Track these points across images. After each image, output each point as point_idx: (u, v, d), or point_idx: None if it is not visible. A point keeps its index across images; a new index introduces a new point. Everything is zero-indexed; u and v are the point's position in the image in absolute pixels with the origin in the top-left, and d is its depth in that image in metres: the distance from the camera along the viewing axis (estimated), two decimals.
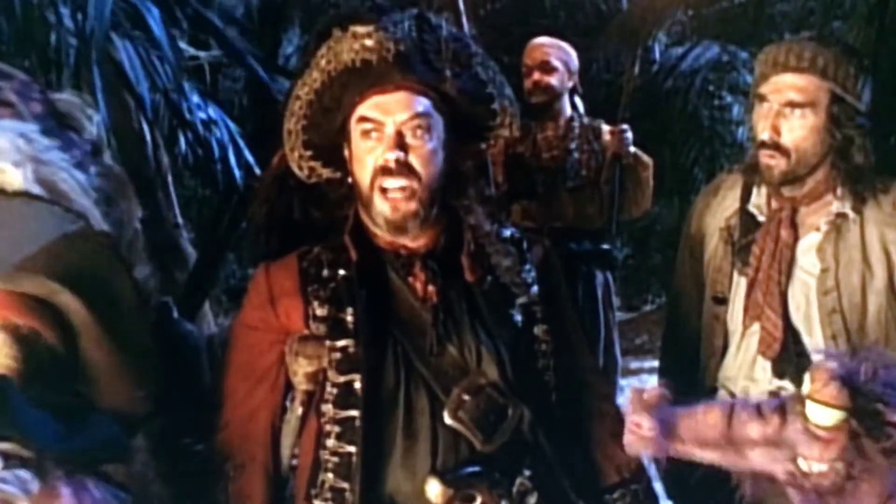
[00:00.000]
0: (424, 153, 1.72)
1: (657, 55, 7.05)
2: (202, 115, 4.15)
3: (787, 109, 2.09)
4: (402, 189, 1.70)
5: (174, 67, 3.82)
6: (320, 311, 1.75)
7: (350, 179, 1.78)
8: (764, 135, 2.11)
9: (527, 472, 1.70)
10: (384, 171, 1.70)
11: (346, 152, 1.78)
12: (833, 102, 2.07)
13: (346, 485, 1.68)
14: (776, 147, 2.10)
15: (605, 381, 2.05)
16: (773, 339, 2.13)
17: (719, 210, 2.30)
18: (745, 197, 2.25)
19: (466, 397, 1.68)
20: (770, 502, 2.05)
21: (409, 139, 1.71)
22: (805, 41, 2.13)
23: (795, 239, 2.15)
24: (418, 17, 1.77)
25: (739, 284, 2.22)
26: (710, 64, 6.94)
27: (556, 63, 4.13)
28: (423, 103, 1.72)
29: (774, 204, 2.19)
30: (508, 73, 5.65)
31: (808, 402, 1.39)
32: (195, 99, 4.34)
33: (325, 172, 1.83)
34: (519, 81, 4.22)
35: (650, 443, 1.48)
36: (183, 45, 4.86)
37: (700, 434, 1.48)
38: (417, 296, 1.76)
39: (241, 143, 4.27)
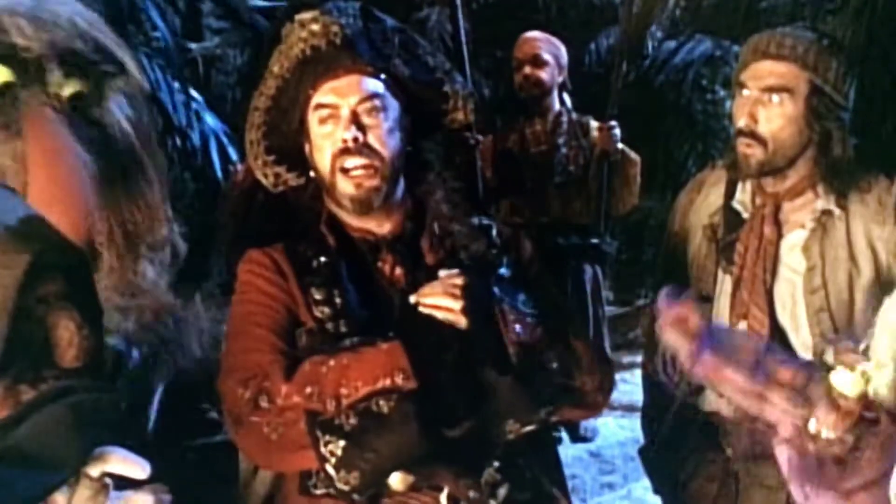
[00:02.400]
0: (381, 132, 1.76)
1: (650, 49, 7.04)
2: (188, 113, 4.14)
3: (766, 96, 2.06)
4: (364, 167, 1.74)
5: (176, 63, 3.81)
6: (318, 296, 1.76)
7: (312, 174, 1.82)
8: (741, 122, 2.08)
9: (496, 464, 1.67)
10: (343, 151, 1.74)
11: (308, 149, 1.81)
12: (813, 93, 2.04)
13: None
14: (753, 135, 2.06)
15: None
16: (760, 337, 2.11)
17: (703, 207, 2.27)
18: (730, 193, 2.22)
19: None
20: (755, 467, 2.08)
21: (364, 119, 1.75)
22: (789, 31, 2.11)
23: (779, 236, 2.13)
24: (363, 8, 1.82)
25: (724, 282, 2.19)
26: (703, 58, 6.93)
27: (547, 57, 4.13)
28: (375, 84, 1.77)
29: (758, 200, 2.17)
30: (501, 67, 5.66)
31: (833, 373, 1.32)
32: (188, 98, 4.33)
33: (290, 178, 1.86)
34: (511, 75, 4.23)
35: (692, 339, 1.34)
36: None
37: (735, 352, 1.38)
38: (387, 279, 1.79)
39: (227, 142, 4.26)
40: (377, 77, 1.78)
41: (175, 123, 4.08)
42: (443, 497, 1.66)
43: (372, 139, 1.75)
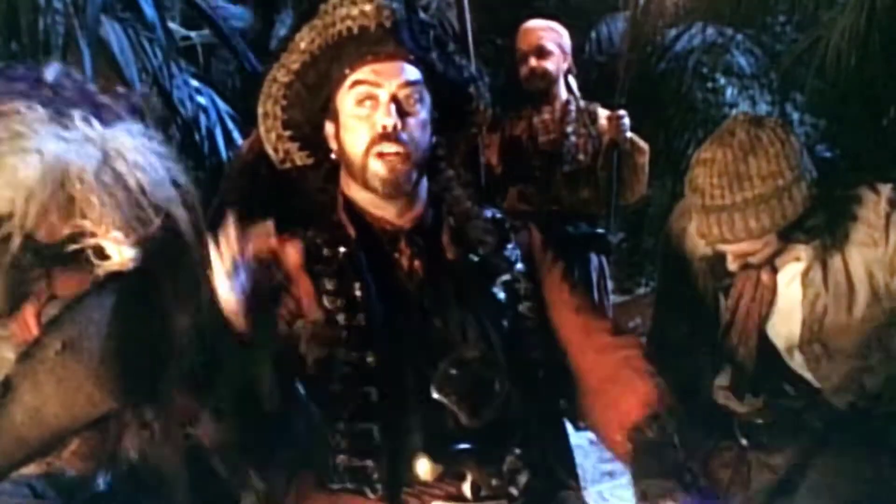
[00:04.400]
0: (418, 121, 1.75)
1: (651, 37, 7.03)
2: (192, 96, 4.14)
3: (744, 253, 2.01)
4: (398, 154, 1.73)
5: (166, 50, 3.79)
6: (330, 286, 1.75)
7: (334, 156, 1.80)
8: (733, 267, 2.04)
9: (517, 451, 1.68)
10: (382, 137, 1.72)
11: (330, 128, 1.80)
12: (784, 228, 1.95)
13: (367, 462, 1.66)
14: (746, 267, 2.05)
15: (617, 328, 1.93)
16: (745, 378, 2.10)
17: (696, 235, 2.14)
18: None
19: (453, 371, 1.67)
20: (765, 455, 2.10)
21: (404, 106, 1.74)
22: (737, 201, 1.91)
23: (775, 281, 2.08)
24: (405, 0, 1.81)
25: (727, 309, 2.15)
26: (704, 46, 6.92)
27: (551, 46, 4.09)
28: (415, 72, 1.76)
29: None
30: (501, 55, 5.61)
31: None
32: (187, 81, 4.32)
33: (299, 157, 1.85)
34: (513, 63, 4.21)
35: None
36: (175, 25, 4.84)
37: None
38: (404, 271, 1.78)
39: (232, 125, 4.26)
40: (416, 65, 1.77)
41: (178, 109, 4.07)
42: (465, 486, 1.66)
43: (409, 127, 1.74)
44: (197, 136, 4.18)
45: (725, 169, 1.90)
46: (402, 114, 1.73)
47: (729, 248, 2.00)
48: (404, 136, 1.72)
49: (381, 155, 1.73)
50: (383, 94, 1.73)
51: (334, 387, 1.69)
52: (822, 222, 1.97)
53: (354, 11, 1.74)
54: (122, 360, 1.33)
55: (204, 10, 4.39)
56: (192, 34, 4.93)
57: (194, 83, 4.32)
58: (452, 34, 4.00)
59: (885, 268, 1.99)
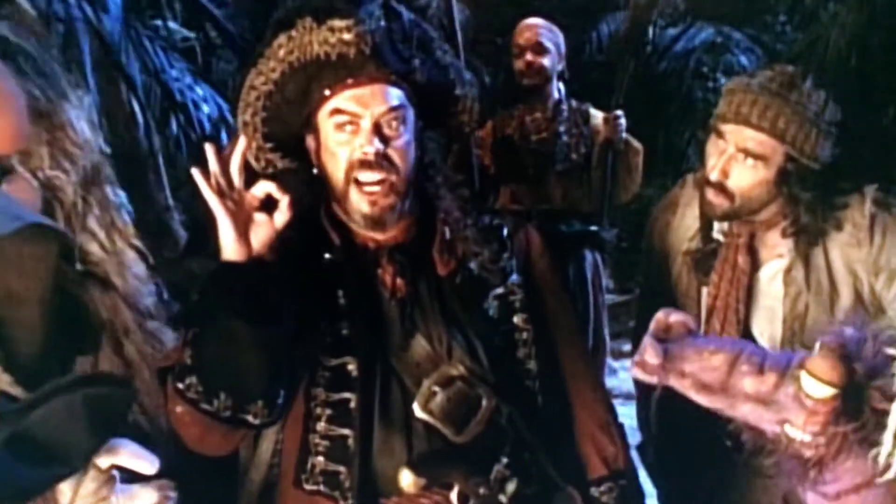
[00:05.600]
0: (401, 145, 1.70)
1: (651, 37, 7.04)
2: (193, 95, 4.15)
3: (741, 155, 2.03)
4: (380, 182, 1.69)
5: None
6: (315, 291, 1.72)
7: (316, 171, 1.76)
8: (713, 175, 2.05)
9: (504, 460, 1.67)
10: (362, 164, 1.68)
11: (311, 143, 1.75)
12: (787, 161, 2.02)
13: (341, 468, 1.66)
14: (721, 187, 2.05)
15: (594, 370, 2.02)
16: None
17: (680, 229, 2.24)
18: (707, 223, 2.19)
19: (436, 389, 1.66)
20: (753, 458, 2.11)
21: (386, 131, 1.69)
22: (773, 88, 2.02)
23: (754, 267, 2.11)
24: (384, 4, 1.75)
25: (709, 294, 2.17)
26: (704, 45, 6.93)
27: (548, 44, 4.11)
28: (398, 95, 1.71)
29: (734, 228, 2.14)
30: (501, 54, 5.61)
31: (803, 373, 1.40)
32: (187, 79, 4.34)
33: (283, 164, 1.81)
34: (511, 63, 4.22)
35: (653, 370, 1.55)
36: (175, 26, 4.86)
37: (700, 375, 1.52)
38: (387, 288, 1.75)
39: (232, 120, 4.25)
40: (399, 85, 1.72)
41: (179, 107, 4.07)
42: (453, 495, 1.65)
43: (391, 152, 1.69)
44: (200, 137, 4.20)
45: (775, 74, 2.04)
46: (385, 139, 1.69)
47: (734, 140, 2.03)
48: (386, 163, 1.68)
49: (359, 183, 1.69)
50: (365, 122, 1.68)
51: (316, 390, 1.69)
52: (815, 207, 2.02)
53: (332, 39, 1.67)
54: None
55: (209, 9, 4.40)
56: (193, 35, 4.95)
57: (203, 92, 4.34)
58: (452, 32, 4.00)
59: (868, 268, 2.01)
